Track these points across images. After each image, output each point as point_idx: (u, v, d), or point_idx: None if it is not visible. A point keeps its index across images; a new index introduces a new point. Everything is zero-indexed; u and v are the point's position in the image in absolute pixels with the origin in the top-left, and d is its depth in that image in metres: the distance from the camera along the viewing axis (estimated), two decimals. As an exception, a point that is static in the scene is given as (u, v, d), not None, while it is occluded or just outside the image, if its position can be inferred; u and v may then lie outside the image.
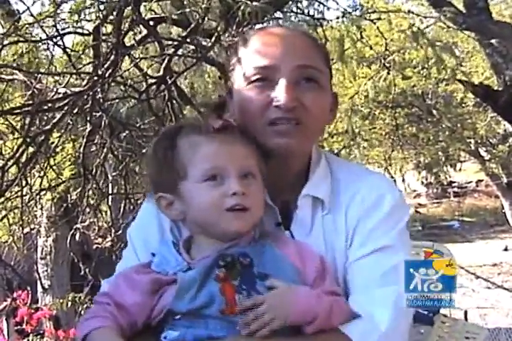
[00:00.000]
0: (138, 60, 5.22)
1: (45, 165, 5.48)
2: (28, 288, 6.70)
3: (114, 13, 4.43)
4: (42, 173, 5.54)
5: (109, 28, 4.81)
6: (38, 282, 9.16)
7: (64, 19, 4.53)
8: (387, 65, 8.74)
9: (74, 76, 5.09)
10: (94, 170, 5.62)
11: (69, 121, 5.23)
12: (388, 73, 9.23)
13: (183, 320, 1.43)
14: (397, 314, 1.54)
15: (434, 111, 15.04)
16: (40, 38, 4.65)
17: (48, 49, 5.00)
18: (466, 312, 7.72)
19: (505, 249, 17.99)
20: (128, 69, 5.46)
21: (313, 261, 1.51)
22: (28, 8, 4.37)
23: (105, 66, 4.55)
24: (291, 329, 1.43)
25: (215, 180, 1.46)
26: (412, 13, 9.06)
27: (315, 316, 1.41)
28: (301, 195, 1.61)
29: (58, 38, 4.55)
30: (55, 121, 4.88)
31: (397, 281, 1.56)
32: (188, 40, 5.16)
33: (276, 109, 1.51)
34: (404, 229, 1.63)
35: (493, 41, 5.85)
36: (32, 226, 7.30)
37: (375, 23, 7.11)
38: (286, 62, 1.52)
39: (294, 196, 1.62)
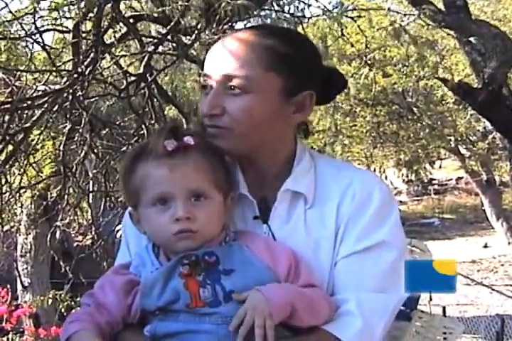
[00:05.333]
0: (118, 58, 5.22)
1: (25, 162, 5.47)
2: (8, 286, 6.67)
3: (94, 11, 4.42)
4: (22, 171, 5.53)
5: (89, 25, 4.79)
6: (18, 280, 9.14)
7: (43, 16, 4.52)
8: (369, 62, 8.78)
9: (53, 73, 5.07)
10: (74, 168, 5.61)
11: (49, 118, 5.22)
12: (370, 70, 9.26)
13: (160, 315, 1.49)
14: (388, 323, 1.58)
15: (415, 109, 15.10)
16: (19, 35, 4.62)
17: (27, 46, 4.99)
18: (444, 308, 7.79)
19: (485, 246, 18.13)
20: (108, 67, 5.46)
21: (284, 256, 1.54)
22: (7, 4, 4.35)
23: (85, 63, 4.55)
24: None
25: (164, 204, 1.51)
26: (393, 11, 9.12)
27: (293, 307, 1.45)
28: (281, 189, 1.64)
29: (37, 35, 4.54)
30: (34, 118, 4.87)
31: (398, 285, 1.59)
32: (169, 37, 5.16)
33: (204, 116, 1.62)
34: (397, 223, 1.65)
35: (471, 39, 5.90)
36: (12, 224, 7.28)
37: (355, 21, 7.15)
38: (214, 72, 1.60)
39: (275, 190, 1.65)
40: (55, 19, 4.65)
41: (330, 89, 1.71)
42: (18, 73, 4.92)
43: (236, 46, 1.60)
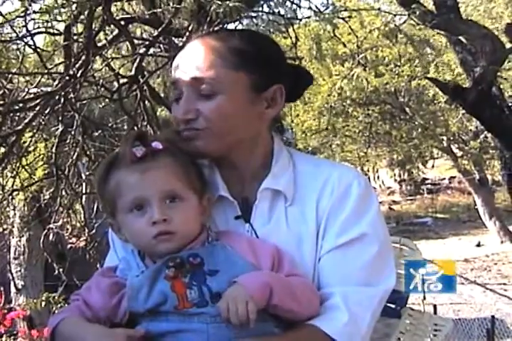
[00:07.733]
0: (110, 60, 5.22)
1: (18, 165, 5.46)
2: (1, 289, 6.67)
3: (85, 13, 4.42)
4: (14, 173, 5.51)
5: (81, 27, 4.80)
6: (12, 282, 9.12)
7: (34, 19, 4.52)
8: (362, 61, 8.80)
9: (45, 76, 5.07)
10: (67, 170, 5.60)
11: (41, 121, 5.21)
12: (364, 70, 9.28)
13: (150, 316, 1.52)
14: (374, 316, 1.60)
15: (407, 109, 15.13)
16: (11, 37, 4.62)
17: (19, 49, 4.98)
18: (435, 306, 7.79)
19: (478, 245, 18.15)
20: (100, 69, 5.46)
21: (267, 253, 1.57)
22: (-2, 7, 4.35)
23: (77, 66, 4.54)
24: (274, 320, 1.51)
25: (140, 210, 1.53)
26: (384, 11, 9.15)
27: (271, 287, 1.47)
28: (261, 188, 1.67)
29: (29, 37, 4.53)
30: (26, 121, 4.87)
31: (383, 277, 1.62)
32: (160, 39, 5.17)
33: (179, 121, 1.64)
34: (378, 215, 1.67)
35: (462, 39, 5.93)
36: (5, 226, 7.28)
37: (347, 22, 7.15)
38: (182, 77, 1.63)
39: (255, 189, 1.68)
40: (47, 22, 4.65)
41: (298, 84, 1.74)
42: (10, 76, 4.92)
43: (199, 50, 1.63)
